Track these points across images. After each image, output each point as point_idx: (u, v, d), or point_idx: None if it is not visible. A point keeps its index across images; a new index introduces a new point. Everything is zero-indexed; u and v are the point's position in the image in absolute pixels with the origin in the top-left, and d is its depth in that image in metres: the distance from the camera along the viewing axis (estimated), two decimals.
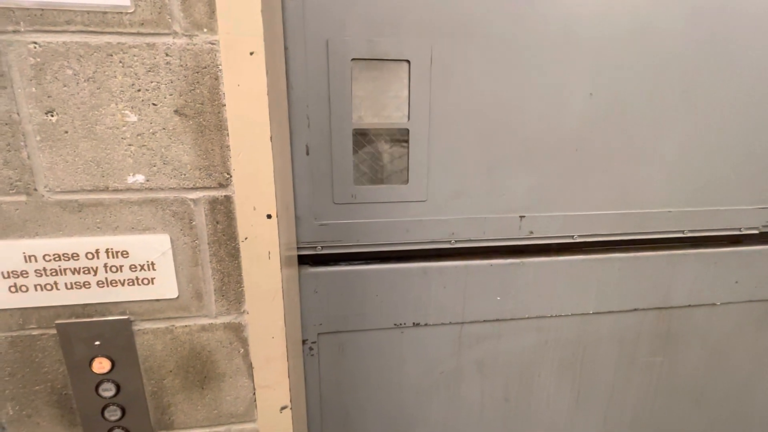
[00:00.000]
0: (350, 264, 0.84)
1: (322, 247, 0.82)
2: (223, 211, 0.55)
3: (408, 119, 0.79)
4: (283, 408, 0.64)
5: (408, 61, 0.76)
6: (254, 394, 0.63)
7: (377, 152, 0.82)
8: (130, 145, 0.51)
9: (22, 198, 0.51)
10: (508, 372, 0.97)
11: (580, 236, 0.91)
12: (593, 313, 0.96)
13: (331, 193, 0.80)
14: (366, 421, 0.94)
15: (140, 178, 0.52)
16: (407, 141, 0.80)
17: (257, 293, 0.58)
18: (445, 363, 0.94)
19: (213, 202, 0.55)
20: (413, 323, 0.90)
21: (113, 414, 0.60)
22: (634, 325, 0.99)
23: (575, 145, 0.85)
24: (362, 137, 0.80)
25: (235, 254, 0.57)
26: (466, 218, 0.86)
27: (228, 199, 0.55)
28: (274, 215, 0.56)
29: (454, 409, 0.97)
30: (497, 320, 0.93)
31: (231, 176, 0.54)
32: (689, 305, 1.00)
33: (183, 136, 0.52)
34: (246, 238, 0.56)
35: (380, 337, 0.89)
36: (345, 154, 0.78)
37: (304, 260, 0.82)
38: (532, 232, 0.89)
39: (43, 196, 0.51)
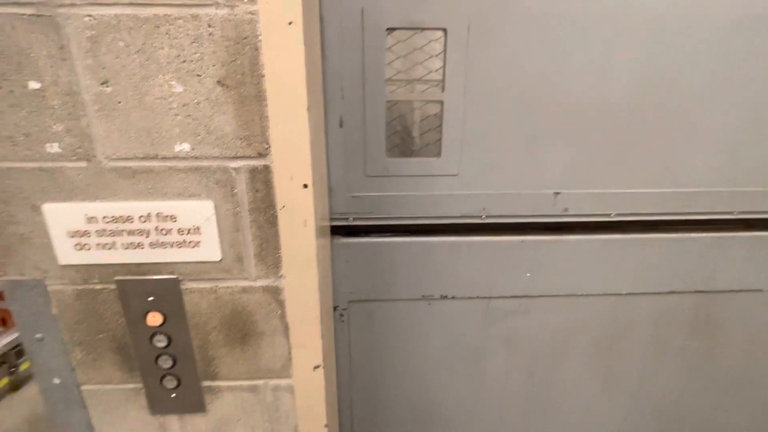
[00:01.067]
0: (381, 236, 0.86)
1: (354, 218, 0.84)
2: (262, 180, 0.58)
3: (443, 90, 0.77)
4: (316, 367, 0.69)
5: (444, 30, 0.74)
6: (290, 352, 0.67)
7: (410, 125, 0.82)
8: (176, 115, 0.54)
9: (83, 164, 0.55)
10: (534, 349, 0.98)
11: (618, 215, 0.88)
12: (627, 294, 0.94)
13: (364, 166, 0.81)
14: (392, 387, 0.98)
15: (186, 146, 0.55)
16: (441, 113, 0.79)
17: (293, 259, 0.61)
18: (471, 336, 0.95)
19: (253, 171, 0.57)
20: (441, 296, 0.91)
21: (166, 362, 0.66)
22: (671, 309, 0.96)
23: (618, 119, 0.81)
24: (396, 109, 0.80)
25: (273, 221, 0.60)
26: (499, 194, 0.85)
27: (267, 169, 0.57)
28: (310, 185, 0.58)
29: (477, 382, 1.00)
30: (526, 296, 0.93)
31: (269, 146, 0.56)
32: (733, 290, 0.95)
33: (225, 106, 0.54)
34: (283, 207, 0.58)
35: (408, 307, 0.92)
36: (378, 126, 0.78)
37: (336, 231, 0.85)
38: (566, 209, 0.87)
39: (101, 162, 0.55)
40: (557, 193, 0.85)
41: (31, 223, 0.57)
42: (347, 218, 0.84)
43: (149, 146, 0.55)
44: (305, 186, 0.58)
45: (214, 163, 0.56)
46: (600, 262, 0.90)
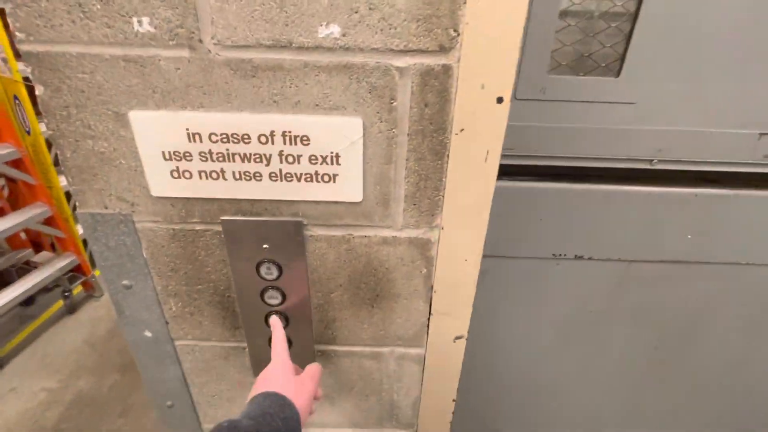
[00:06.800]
0: (518, 179, 0.68)
1: (512, 155, 0.67)
2: (436, 89, 0.39)
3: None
4: (458, 338, 0.55)
5: None
6: (428, 319, 0.54)
7: (585, 35, 0.60)
8: None
9: (185, 53, 0.38)
10: (667, 320, 0.83)
11: None
12: None
13: (515, 84, 0.61)
14: (507, 348, 0.86)
15: (335, 30, 0.37)
16: (629, 21, 0.57)
17: (458, 206, 0.45)
18: (598, 303, 0.81)
19: (425, 74, 0.39)
20: (575, 255, 0.75)
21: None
22: None
23: None
24: (568, 16, 0.58)
25: (440, 151, 0.42)
26: (681, 131, 0.64)
27: (447, 71, 0.38)
28: (507, 99, 0.39)
29: (595, 350, 0.87)
30: (677, 262, 0.76)
31: (459, 35, 0.37)
32: None
33: None
34: (462, 130, 0.41)
35: (534, 266, 0.77)
36: (545, 35, 0.57)
37: None
38: (767, 156, 0.66)
39: (209, 51, 0.38)
40: (763, 134, 0.64)
41: (114, 138, 0.42)
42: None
43: (281, 27, 0.37)
44: (500, 100, 0.39)
45: (372, 59, 0.38)
46: None
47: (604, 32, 0.60)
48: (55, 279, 1.97)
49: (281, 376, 0.43)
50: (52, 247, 2.25)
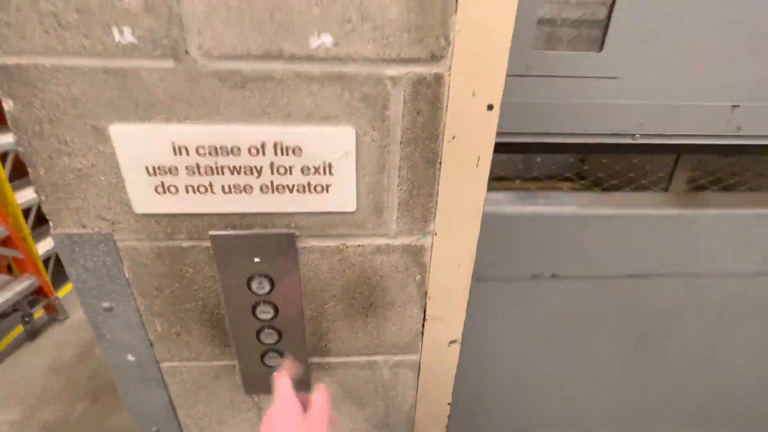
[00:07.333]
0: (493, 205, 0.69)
1: None
2: (428, 98, 0.40)
3: None
4: (452, 342, 0.56)
5: None
6: (423, 325, 0.54)
7: (566, 4, 0.61)
8: None
9: (169, 64, 0.36)
10: (639, 328, 0.87)
11: None
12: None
13: None
14: (494, 355, 0.87)
15: (327, 40, 0.36)
16: None
17: (451, 211, 0.45)
18: (576, 316, 0.83)
19: (417, 83, 0.39)
20: (551, 275, 0.77)
21: (269, 337, 0.52)
22: None
23: None
24: None
25: (433, 159, 0.43)
26: (660, 104, 0.66)
27: (438, 80, 0.39)
28: (497, 106, 0.40)
29: (577, 355, 0.90)
30: (643, 276, 0.80)
31: (450, 44, 0.37)
32: None
33: None
34: (453, 138, 0.41)
35: (513, 287, 0.78)
36: (528, 10, 0.57)
37: None
38: (739, 128, 0.68)
39: (196, 61, 0.36)
40: (736, 106, 0.67)
41: (92, 154, 0.40)
42: None
43: (272, 37, 0.36)
44: (490, 108, 0.40)
45: (365, 69, 0.38)
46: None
47: (585, 4, 0.61)
48: (13, 303, 1.84)
49: (290, 419, 0.40)
50: (9, 269, 2.10)
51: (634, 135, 0.68)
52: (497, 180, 0.91)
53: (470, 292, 0.64)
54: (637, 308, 0.84)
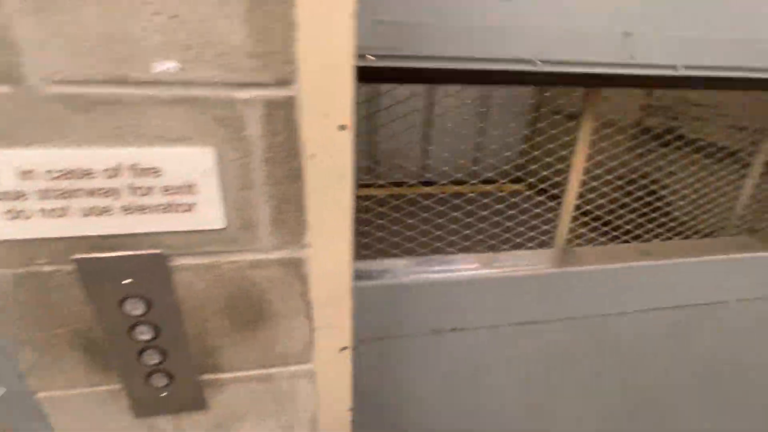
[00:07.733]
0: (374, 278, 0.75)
1: (373, 55, 0.61)
2: (283, 119, 0.42)
3: None
4: (343, 348, 0.58)
5: None
6: (312, 333, 0.56)
7: None
8: (156, 13, 0.36)
9: (6, 89, 0.36)
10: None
11: (685, 67, 0.72)
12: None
13: None
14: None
15: (171, 66, 0.38)
16: None
17: (323, 224, 0.48)
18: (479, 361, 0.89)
19: (269, 105, 0.41)
20: (451, 329, 0.83)
21: (152, 357, 0.52)
22: None
23: None
24: None
25: (297, 175, 0.45)
26: (560, 29, 0.65)
27: (289, 102, 0.41)
28: (349, 125, 0.43)
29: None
30: (533, 323, 0.87)
31: (296, 69, 0.40)
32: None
33: (232, 4, 0.36)
34: (313, 155, 0.44)
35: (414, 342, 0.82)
36: None
37: None
38: (632, 57, 0.69)
39: (35, 86, 0.36)
40: (628, 34, 0.67)
41: None
42: (363, 56, 0.60)
43: (114, 63, 0.37)
44: (342, 128, 0.43)
45: (214, 92, 0.39)
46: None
47: None
48: None
49: None
50: None
51: (535, 62, 0.67)
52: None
53: (374, 348, 0.69)
54: (525, 353, 0.92)
